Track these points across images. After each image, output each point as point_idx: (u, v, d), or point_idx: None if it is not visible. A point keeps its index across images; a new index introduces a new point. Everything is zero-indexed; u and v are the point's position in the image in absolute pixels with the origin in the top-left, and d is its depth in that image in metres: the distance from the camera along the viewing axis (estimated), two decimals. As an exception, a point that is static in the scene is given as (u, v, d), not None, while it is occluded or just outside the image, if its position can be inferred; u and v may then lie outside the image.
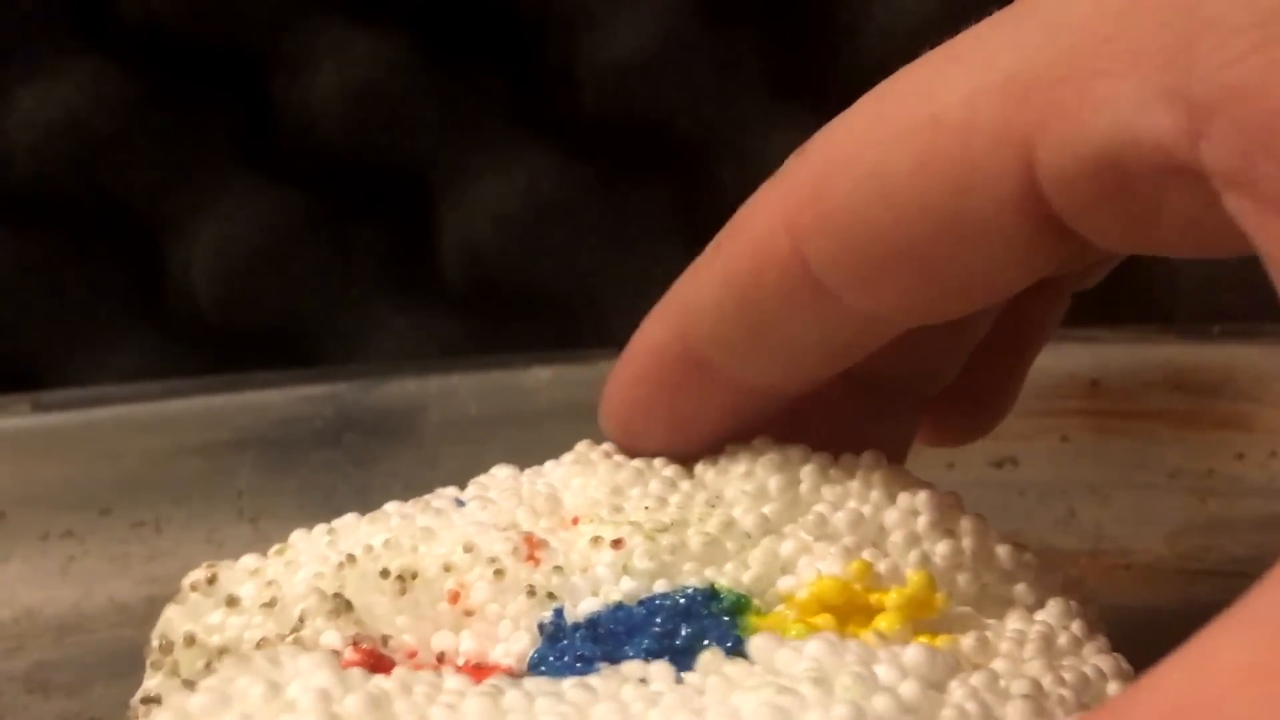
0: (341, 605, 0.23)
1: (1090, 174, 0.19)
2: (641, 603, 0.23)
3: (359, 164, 0.52)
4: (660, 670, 0.21)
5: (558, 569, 0.23)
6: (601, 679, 0.21)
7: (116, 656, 0.34)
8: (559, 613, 0.23)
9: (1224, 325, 0.43)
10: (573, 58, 0.52)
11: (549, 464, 0.26)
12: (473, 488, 0.26)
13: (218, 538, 0.40)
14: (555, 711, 0.20)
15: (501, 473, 0.26)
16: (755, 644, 0.21)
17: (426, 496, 0.26)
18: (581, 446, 0.26)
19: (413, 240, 0.53)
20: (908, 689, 0.20)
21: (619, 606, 0.23)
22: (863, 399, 0.27)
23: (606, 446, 0.26)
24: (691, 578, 0.23)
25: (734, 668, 0.21)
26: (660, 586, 0.23)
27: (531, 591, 0.23)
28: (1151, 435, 0.41)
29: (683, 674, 0.21)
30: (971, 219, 0.20)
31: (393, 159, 0.53)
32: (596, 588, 0.23)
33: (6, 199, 0.52)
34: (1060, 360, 0.42)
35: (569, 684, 0.21)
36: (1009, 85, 0.19)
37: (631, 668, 0.21)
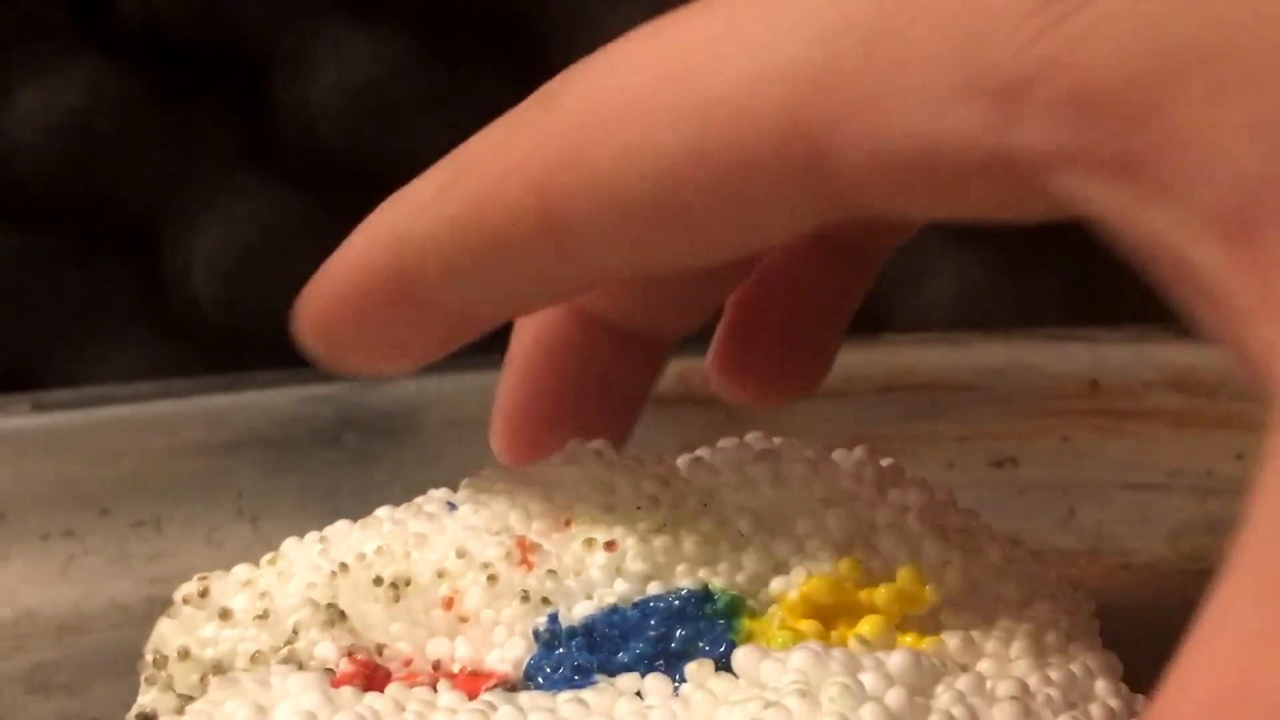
0: (335, 615, 0.23)
1: (893, 171, 0.19)
2: (636, 605, 0.23)
3: (359, 164, 0.52)
4: (656, 684, 0.21)
5: (551, 573, 0.23)
6: (596, 693, 0.21)
7: (116, 656, 0.34)
8: (553, 618, 0.23)
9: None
10: (572, 58, 0.52)
11: (539, 463, 0.26)
12: (464, 490, 0.26)
13: (218, 538, 0.40)
14: None
15: (493, 474, 0.26)
16: (739, 657, 0.21)
17: (418, 500, 0.26)
18: (571, 445, 0.26)
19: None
20: (894, 697, 0.20)
21: (614, 609, 0.23)
22: (602, 339, 0.27)
23: (597, 444, 0.26)
24: (685, 579, 0.23)
25: (719, 682, 0.21)
26: (654, 588, 0.23)
27: (525, 597, 0.23)
28: (1151, 435, 0.41)
29: (659, 663, 0.22)
30: (750, 202, 0.20)
31: (393, 159, 0.53)
32: (590, 591, 0.23)
33: (7, 199, 0.52)
34: (1060, 360, 0.42)
35: (563, 699, 0.21)
36: (795, 75, 0.19)
37: (626, 681, 0.22)
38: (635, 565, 0.23)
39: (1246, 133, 0.15)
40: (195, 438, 0.41)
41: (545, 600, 0.23)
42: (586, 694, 0.21)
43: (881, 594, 0.23)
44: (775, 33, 0.19)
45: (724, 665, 0.22)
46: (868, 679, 0.20)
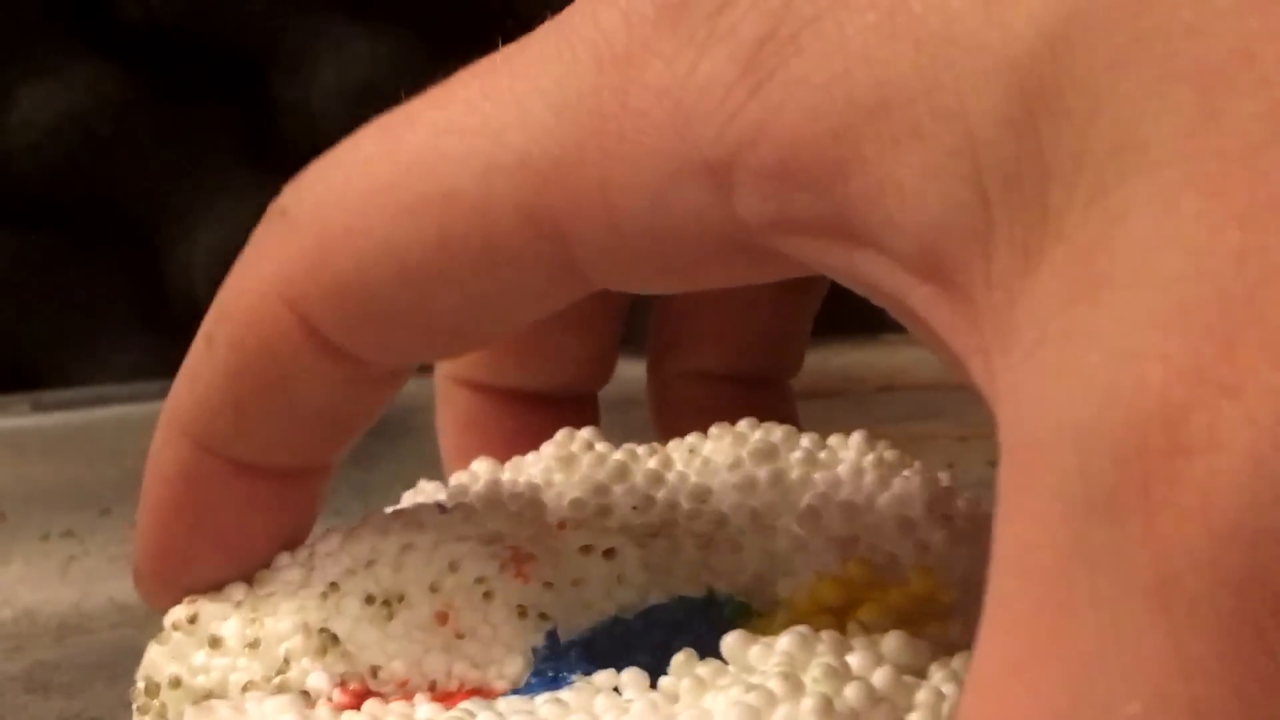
0: (327, 641, 0.22)
1: (631, 252, 0.19)
2: (639, 615, 0.22)
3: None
4: (633, 678, 0.21)
5: (548, 585, 0.22)
6: (574, 692, 0.21)
7: (116, 656, 0.34)
8: (552, 635, 0.22)
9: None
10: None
11: (530, 456, 0.25)
12: (454, 488, 0.25)
13: (218, 538, 0.40)
14: None
15: (481, 468, 0.25)
16: (728, 642, 0.21)
17: (407, 496, 0.25)
18: (561, 436, 0.25)
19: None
20: (880, 676, 0.20)
21: (615, 620, 0.22)
22: (524, 410, 0.28)
23: (586, 435, 0.25)
24: (687, 585, 0.23)
25: (706, 668, 0.20)
26: (655, 596, 0.22)
27: (523, 612, 0.22)
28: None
29: (658, 679, 0.21)
30: (497, 290, 0.20)
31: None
32: (590, 602, 0.22)
33: (6, 199, 0.52)
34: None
35: (541, 700, 0.20)
36: (527, 166, 0.19)
37: (603, 677, 0.21)
38: (636, 575, 0.22)
39: (920, 178, 0.16)
40: (195, 438, 0.41)
41: (543, 616, 0.22)
42: (564, 694, 0.21)
43: (895, 597, 0.22)
44: (504, 119, 0.19)
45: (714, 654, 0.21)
46: (855, 660, 0.20)
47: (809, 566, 0.23)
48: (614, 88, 0.18)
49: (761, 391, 0.30)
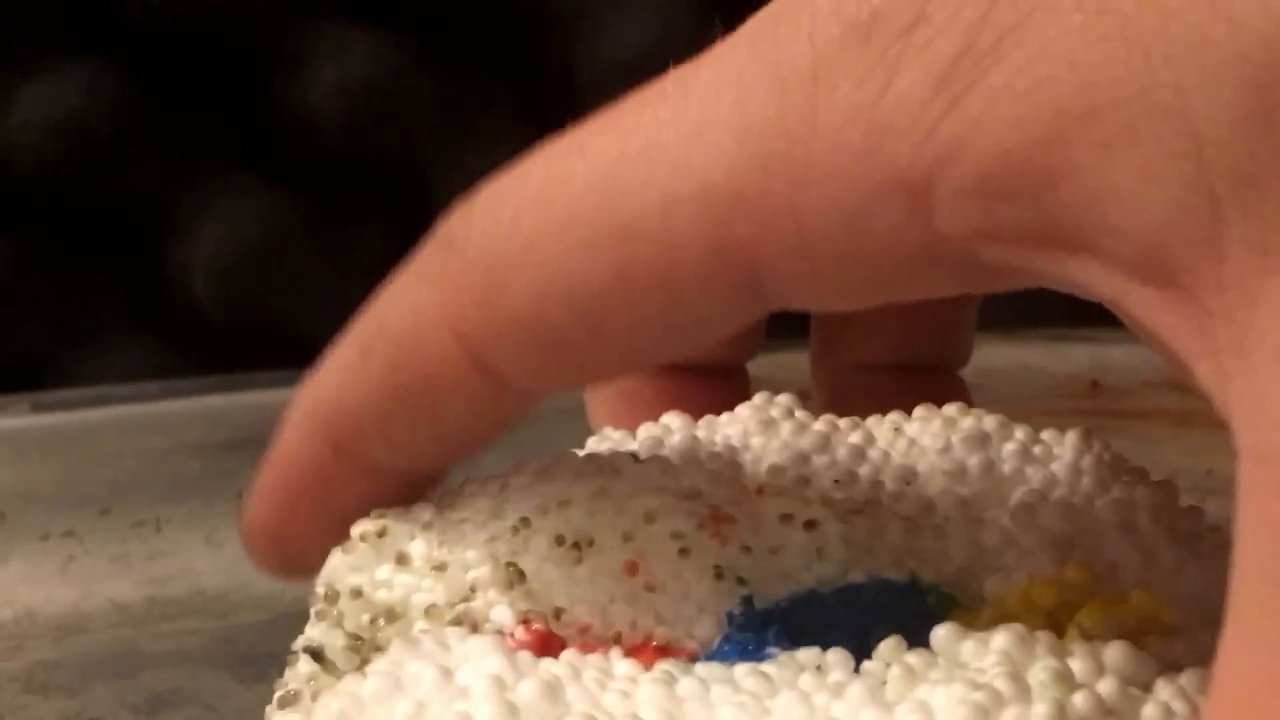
0: (514, 576, 0.21)
1: (826, 276, 0.19)
2: (837, 592, 0.21)
3: (359, 164, 0.52)
4: (839, 659, 0.20)
5: (746, 549, 0.21)
6: (777, 666, 0.20)
7: (116, 656, 0.34)
8: (748, 601, 0.21)
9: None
10: (573, 58, 0.52)
11: (724, 417, 0.24)
12: (646, 440, 0.24)
13: (217, 538, 0.40)
14: (733, 701, 0.19)
15: (674, 423, 0.24)
16: (939, 634, 0.20)
17: (592, 443, 0.24)
18: (759, 399, 0.24)
19: (413, 239, 0.53)
20: (1106, 686, 0.19)
21: (812, 594, 0.21)
22: (681, 380, 0.28)
23: (785, 400, 0.24)
24: (889, 567, 0.21)
25: (915, 658, 0.19)
26: (854, 575, 0.21)
27: (719, 574, 0.21)
28: (1151, 435, 0.41)
29: (861, 662, 0.20)
30: (678, 318, 0.20)
31: (393, 159, 0.53)
32: (787, 573, 0.21)
33: (6, 199, 0.52)
34: (1060, 360, 0.42)
35: (742, 671, 0.19)
36: (714, 195, 0.18)
37: (808, 655, 0.20)
38: (837, 550, 0.21)
39: (1139, 182, 0.15)
40: (195, 438, 0.41)
41: (740, 581, 0.21)
42: (767, 668, 0.20)
43: (1116, 608, 0.21)
44: (683, 148, 0.19)
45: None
46: (1078, 666, 0.19)
47: (1020, 566, 0.21)
48: (800, 110, 0.18)
49: (936, 381, 0.29)
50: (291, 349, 0.55)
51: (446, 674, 0.19)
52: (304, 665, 0.21)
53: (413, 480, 0.24)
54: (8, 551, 0.39)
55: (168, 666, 0.33)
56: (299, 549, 0.24)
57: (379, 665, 0.20)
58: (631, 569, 0.21)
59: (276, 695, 0.21)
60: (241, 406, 0.42)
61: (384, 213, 0.53)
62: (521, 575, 0.21)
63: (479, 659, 0.20)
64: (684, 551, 0.21)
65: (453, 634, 0.21)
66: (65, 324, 0.53)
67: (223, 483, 0.41)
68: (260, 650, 0.33)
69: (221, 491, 0.41)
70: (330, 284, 0.53)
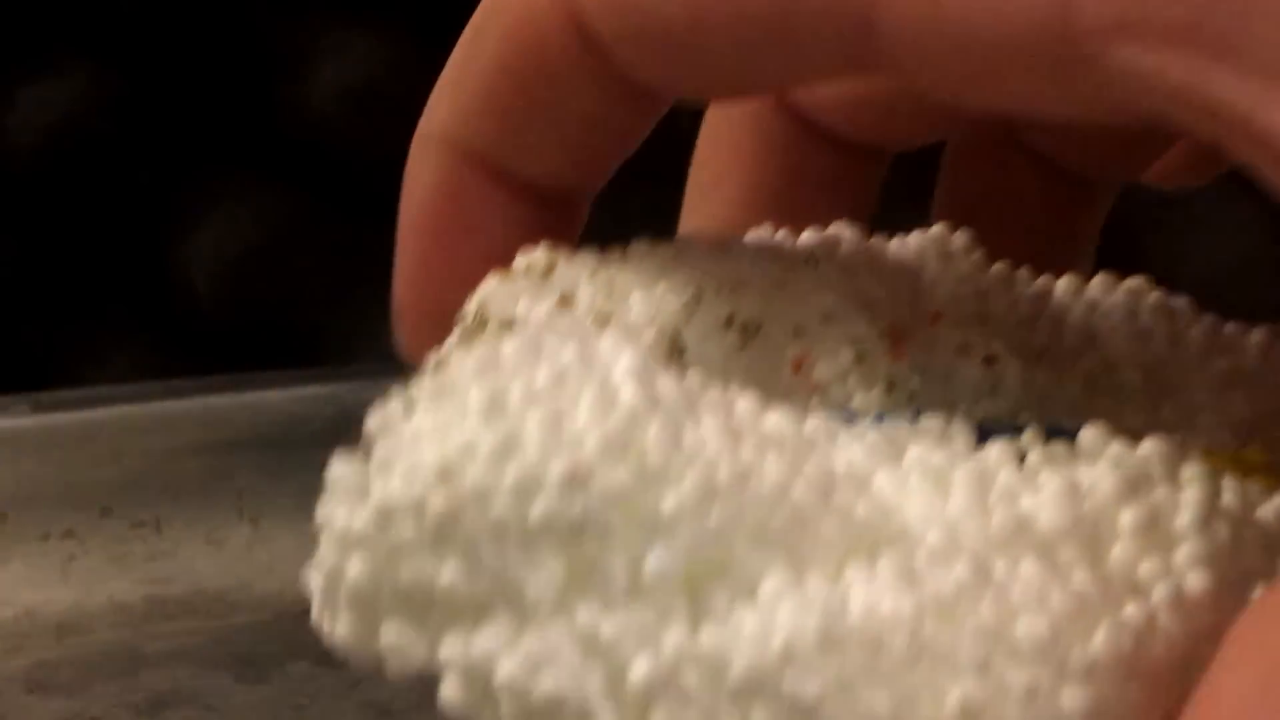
0: (675, 350, 0.20)
1: (945, 48, 0.18)
2: (1004, 428, 0.20)
3: (359, 164, 0.52)
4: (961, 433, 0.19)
5: (920, 369, 0.20)
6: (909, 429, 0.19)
7: (116, 656, 0.34)
8: (916, 418, 0.20)
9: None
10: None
11: (895, 241, 0.23)
12: (821, 242, 0.23)
13: (218, 537, 0.40)
14: (865, 441, 0.18)
15: (846, 234, 0.23)
16: (1088, 434, 0.19)
17: (752, 233, 0.23)
18: (938, 230, 0.23)
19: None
20: (1258, 508, 0.18)
21: (980, 428, 0.20)
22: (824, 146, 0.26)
23: (964, 239, 0.23)
24: (1064, 418, 0.20)
25: (1059, 447, 0.19)
26: (1026, 418, 0.20)
27: (891, 386, 0.20)
28: None
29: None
30: (788, 39, 0.19)
31: (393, 159, 0.53)
32: (955, 403, 0.20)
33: (6, 199, 0.52)
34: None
35: (862, 425, 0.19)
36: None
37: (934, 424, 0.19)
38: (1012, 388, 0.21)
39: None
40: (195, 438, 0.41)
41: (911, 397, 0.20)
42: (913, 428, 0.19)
43: None
44: None
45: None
46: (1228, 493, 0.18)
47: (1198, 440, 0.20)
48: None
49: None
50: (292, 349, 0.55)
51: (590, 353, 0.18)
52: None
53: (549, 204, 0.23)
54: (8, 552, 0.39)
55: (168, 666, 0.33)
56: (451, 304, 0.22)
57: (520, 333, 0.19)
58: (797, 365, 0.20)
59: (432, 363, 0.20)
60: (241, 406, 0.42)
61: (384, 213, 0.53)
62: (682, 350, 0.20)
63: (618, 348, 0.18)
64: (860, 358, 0.20)
65: (599, 333, 0.20)
66: (65, 324, 0.53)
67: (223, 483, 0.41)
68: (260, 650, 0.33)
69: (221, 491, 0.41)
70: (331, 284, 0.53)
